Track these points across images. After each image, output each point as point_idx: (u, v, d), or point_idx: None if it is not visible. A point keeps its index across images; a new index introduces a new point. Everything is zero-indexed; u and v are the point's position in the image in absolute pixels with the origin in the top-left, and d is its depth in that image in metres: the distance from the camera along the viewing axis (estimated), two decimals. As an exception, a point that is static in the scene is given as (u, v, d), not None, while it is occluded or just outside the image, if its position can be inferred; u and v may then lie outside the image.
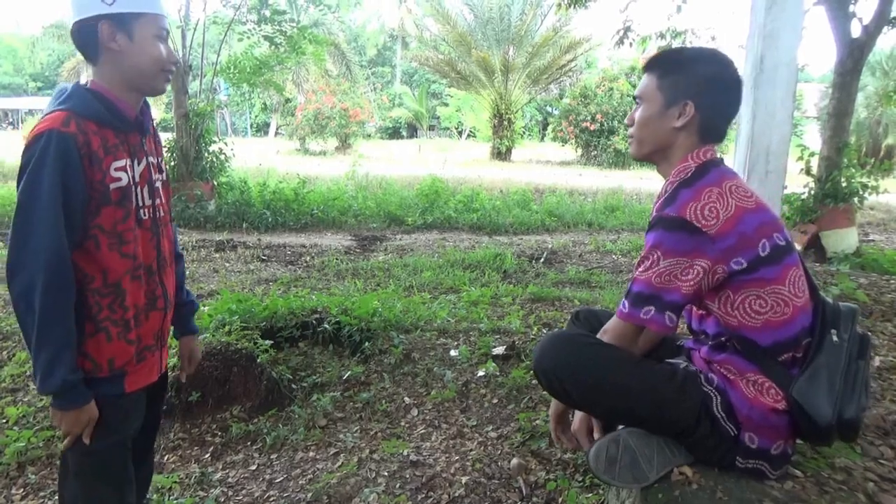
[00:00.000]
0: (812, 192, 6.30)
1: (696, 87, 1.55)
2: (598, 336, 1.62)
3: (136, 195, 1.55)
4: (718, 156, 1.60)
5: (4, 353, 3.76)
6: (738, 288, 1.46)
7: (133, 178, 1.53)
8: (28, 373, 3.41)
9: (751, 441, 1.49)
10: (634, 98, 1.68)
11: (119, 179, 1.49)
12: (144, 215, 1.58)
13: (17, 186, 1.41)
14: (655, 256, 1.47)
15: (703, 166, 1.55)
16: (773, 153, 3.94)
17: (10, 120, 43.45)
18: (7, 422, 2.88)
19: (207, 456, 2.70)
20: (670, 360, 1.72)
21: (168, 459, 2.68)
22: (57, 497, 1.65)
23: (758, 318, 1.47)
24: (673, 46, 7.71)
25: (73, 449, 1.52)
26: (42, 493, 2.44)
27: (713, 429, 1.50)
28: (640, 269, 1.50)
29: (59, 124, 1.39)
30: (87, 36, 1.46)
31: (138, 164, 1.56)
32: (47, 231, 1.37)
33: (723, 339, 1.55)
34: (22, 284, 1.37)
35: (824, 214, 6.17)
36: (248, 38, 9.67)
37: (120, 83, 1.50)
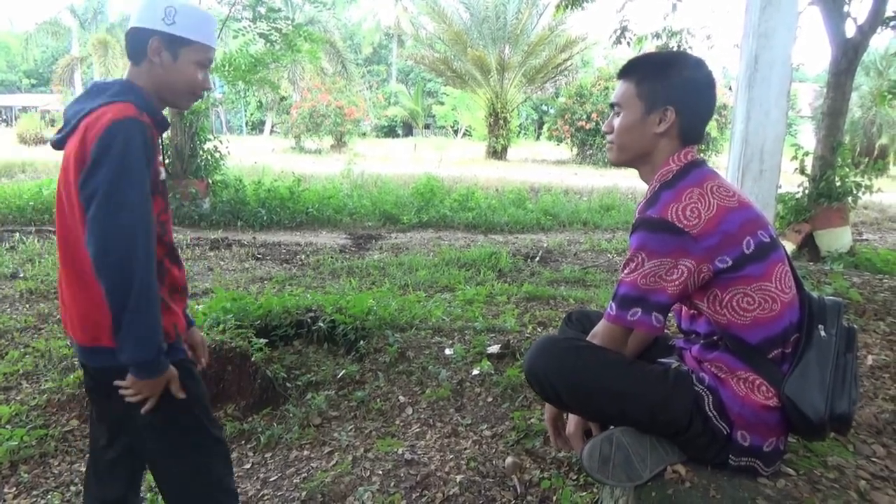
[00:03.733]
0: (806, 192, 6.32)
1: (675, 92, 1.56)
2: (588, 339, 1.62)
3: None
4: (699, 156, 1.60)
5: (-3, 351, 3.75)
6: (725, 286, 1.47)
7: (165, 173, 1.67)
8: (21, 371, 3.40)
9: (743, 439, 1.49)
10: (611, 105, 1.67)
11: (160, 173, 1.61)
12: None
13: (92, 169, 1.43)
14: (640, 258, 1.47)
15: (685, 168, 1.55)
16: (767, 152, 3.95)
17: (4, 117, 43.21)
18: (0, 420, 2.87)
19: (201, 454, 2.69)
20: (662, 360, 1.72)
21: (162, 458, 2.68)
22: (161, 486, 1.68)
23: (746, 316, 1.47)
24: (669, 46, 7.73)
25: (181, 428, 1.59)
26: (35, 492, 2.43)
27: (705, 427, 1.50)
28: (626, 272, 1.51)
29: (135, 114, 1.47)
30: (137, 42, 1.57)
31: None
32: (140, 207, 1.44)
33: (714, 337, 1.56)
34: (119, 259, 1.42)
35: (818, 214, 6.19)
36: (244, 35, 9.63)
37: (151, 89, 1.59)
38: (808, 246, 6.24)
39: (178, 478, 1.63)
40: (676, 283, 1.46)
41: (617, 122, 1.64)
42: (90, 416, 1.80)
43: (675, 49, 7.54)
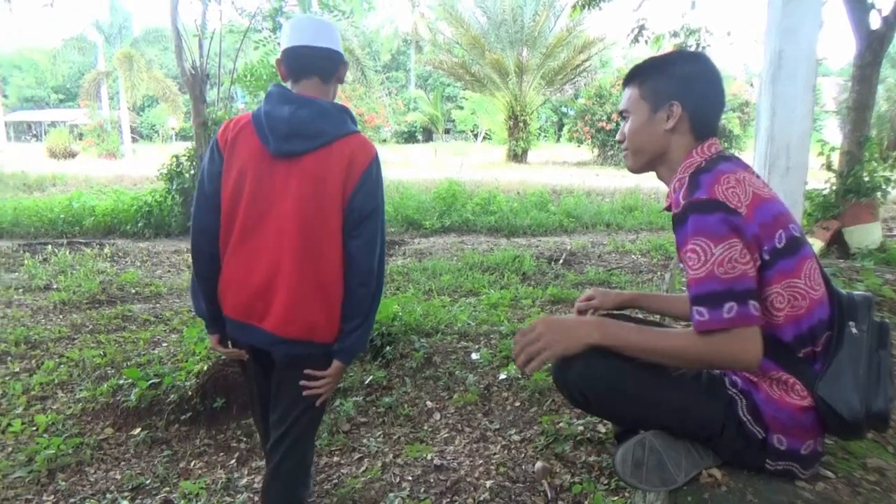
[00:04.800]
0: (833, 188, 6.21)
1: (678, 85, 1.54)
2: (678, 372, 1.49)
3: None
4: (728, 151, 1.57)
5: (33, 361, 3.83)
6: (763, 283, 1.42)
7: None
8: (56, 381, 3.47)
9: (779, 443, 1.46)
10: (620, 113, 1.66)
11: None
12: None
13: (367, 196, 1.74)
14: (703, 245, 1.35)
15: (713, 159, 1.52)
16: (793, 149, 3.89)
17: (34, 132, 44.18)
18: (37, 429, 2.93)
19: (233, 461, 2.72)
20: None
21: (194, 465, 2.71)
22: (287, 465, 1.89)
23: (778, 315, 1.43)
24: (687, 44, 7.65)
25: (320, 408, 1.88)
26: (72, 500, 2.48)
27: (739, 432, 1.47)
28: (697, 266, 1.36)
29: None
30: (333, 64, 1.83)
31: None
32: (384, 236, 1.83)
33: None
34: (380, 272, 1.80)
35: (847, 210, 6.07)
36: (264, 45, 9.75)
37: None
38: (837, 243, 6.12)
39: (307, 422, 1.89)
40: (752, 265, 1.35)
41: (627, 127, 1.62)
42: (252, 392, 2.04)
43: (693, 47, 7.47)
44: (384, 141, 34.07)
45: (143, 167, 18.43)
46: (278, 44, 10.19)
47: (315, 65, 1.78)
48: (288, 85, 1.82)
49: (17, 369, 3.71)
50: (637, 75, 1.62)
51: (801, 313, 1.43)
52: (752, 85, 25.82)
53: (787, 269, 1.41)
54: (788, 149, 3.88)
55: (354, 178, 1.71)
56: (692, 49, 7.26)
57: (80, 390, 3.34)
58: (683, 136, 1.56)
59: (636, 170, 1.66)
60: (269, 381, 1.91)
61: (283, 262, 1.72)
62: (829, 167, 6.28)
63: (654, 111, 1.57)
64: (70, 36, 30.07)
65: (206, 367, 3.16)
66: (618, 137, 1.67)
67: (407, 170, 18.73)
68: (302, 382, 1.79)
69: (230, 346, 1.92)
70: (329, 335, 1.78)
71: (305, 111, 1.72)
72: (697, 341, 1.37)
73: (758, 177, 1.53)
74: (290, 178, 1.71)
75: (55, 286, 5.63)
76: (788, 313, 1.43)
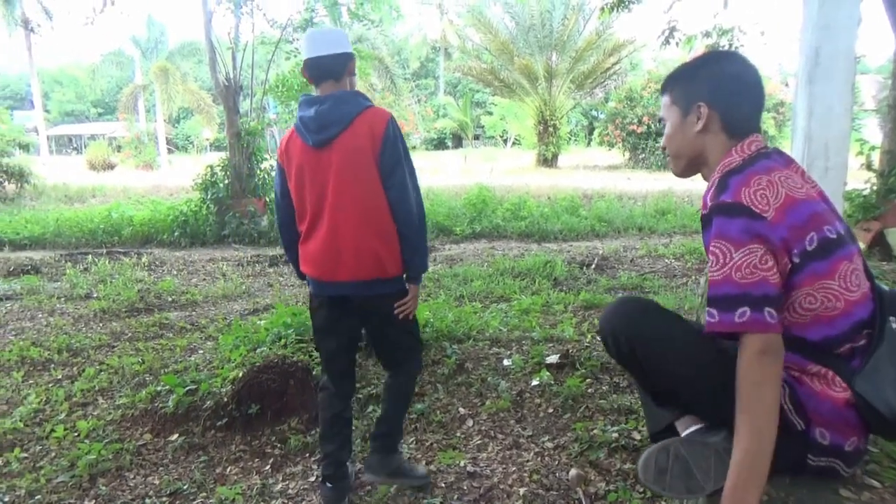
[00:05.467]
0: (874, 188, 6.04)
1: (704, 87, 1.55)
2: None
3: None
4: (769, 147, 1.53)
5: (75, 368, 3.93)
6: (791, 285, 1.39)
7: None
8: (97, 387, 3.55)
9: (822, 437, 1.42)
10: (659, 121, 1.70)
11: None
12: None
13: (388, 148, 2.16)
14: (724, 249, 1.36)
15: (752, 157, 1.49)
16: (832, 149, 3.80)
17: (75, 145, 45.49)
18: (79, 435, 3.00)
19: (268, 468, 2.75)
20: None
21: (230, 471, 2.74)
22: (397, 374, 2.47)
23: (806, 315, 1.40)
24: (719, 44, 7.53)
25: (413, 319, 2.39)
26: (113, 505, 2.53)
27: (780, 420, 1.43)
28: (715, 268, 1.37)
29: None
30: (341, 64, 2.23)
31: None
32: (415, 179, 2.28)
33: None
34: (419, 205, 2.26)
35: (888, 210, 5.90)
36: (295, 56, 9.90)
37: None
38: (879, 245, 5.95)
39: (406, 342, 2.42)
40: (774, 272, 1.33)
41: (665, 134, 1.66)
42: (329, 344, 2.42)
43: (725, 48, 7.35)
44: (414, 148, 34.22)
45: (178, 177, 18.84)
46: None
47: (326, 70, 2.22)
48: (313, 89, 2.30)
49: (60, 376, 3.81)
50: (668, 83, 1.66)
51: (834, 314, 1.40)
52: (787, 85, 25.29)
53: (820, 271, 1.38)
54: (827, 149, 3.79)
55: (378, 141, 2.16)
56: (724, 49, 7.14)
57: (120, 397, 3.41)
58: (716, 135, 1.55)
59: (679, 174, 1.68)
60: (348, 327, 2.40)
61: (344, 225, 2.18)
62: (869, 167, 6.12)
63: (685, 115, 1.59)
64: (108, 51, 30.98)
65: (241, 374, 3.20)
66: (661, 145, 1.69)
67: (437, 176, 18.79)
68: (394, 307, 2.30)
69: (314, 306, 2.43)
70: (396, 268, 2.25)
71: (326, 105, 2.17)
72: (743, 379, 1.33)
73: (802, 174, 1.49)
74: (331, 159, 2.16)
75: (95, 295, 5.78)
76: (820, 313, 1.39)
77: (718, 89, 1.54)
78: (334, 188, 2.17)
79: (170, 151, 34.72)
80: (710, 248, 1.39)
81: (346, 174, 2.16)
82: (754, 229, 1.35)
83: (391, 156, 2.17)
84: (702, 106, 1.54)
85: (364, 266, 2.20)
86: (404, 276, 2.30)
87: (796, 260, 1.37)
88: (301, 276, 2.41)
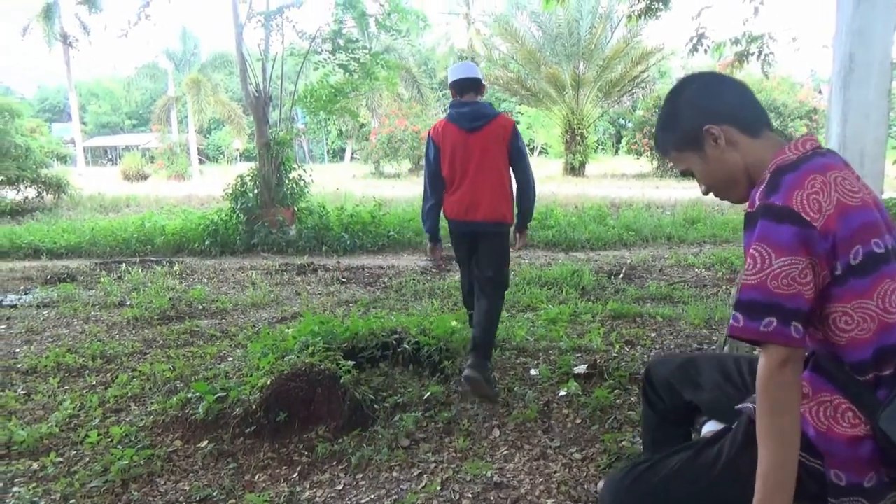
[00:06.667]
0: (913, 196, 5.90)
1: (693, 115, 1.49)
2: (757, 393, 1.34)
3: None
4: (825, 149, 1.43)
5: (108, 375, 4.01)
6: (828, 300, 1.31)
7: None
8: (129, 394, 3.62)
9: (838, 478, 1.32)
10: (683, 174, 1.61)
11: None
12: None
13: (515, 141, 3.46)
14: (765, 254, 1.27)
15: (807, 154, 1.39)
16: (868, 157, 3.72)
17: (110, 156, 46.59)
18: (112, 440, 3.05)
19: (295, 475, 2.77)
20: (742, 406, 1.51)
21: (258, 478, 2.77)
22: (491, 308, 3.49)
23: (842, 336, 1.32)
24: (749, 52, 7.42)
25: (508, 256, 3.62)
26: (144, 510, 2.56)
27: (801, 468, 1.33)
28: (751, 272, 1.29)
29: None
30: (478, 83, 3.54)
31: None
32: (530, 165, 3.57)
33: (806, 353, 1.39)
34: (534, 178, 3.57)
35: (928, 219, 5.75)
36: (324, 67, 10.01)
37: None
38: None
39: (502, 266, 3.56)
40: (811, 287, 1.26)
41: (699, 179, 1.56)
42: (461, 254, 3.73)
43: (755, 55, 7.24)
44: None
45: (209, 187, 19.15)
46: (336, 65, 10.31)
47: (470, 86, 3.53)
48: (457, 98, 3.54)
49: (94, 382, 3.89)
50: (662, 143, 1.60)
51: (868, 336, 1.30)
52: (819, 91, 24.84)
53: (860, 288, 1.29)
54: (862, 157, 3.71)
55: (508, 135, 3.43)
56: (748, 56, 7.05)
57: (152, 403, 3.47)
58: (741, 140, 1.46)
59: (740, 201, 1.55)
60: (472, 254, 3.59)
61: (482, 185, 3.41)
62: (907, 175, 5.97)
63: (701, 148, 1.49)
64: (143, 64, 31.73)
65: (269, 382, 3.23)
66: (702, 193, 1.59)
67: (463, 185, 18.76)
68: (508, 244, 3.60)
69: (436, 252, 3.88)
70: (511, 218, 3.53)
71: (476, 107, 3.46)
72: (764, 389, 1.29)
73: (858, 178, 1.39)
74: (476, 141, 3.41)
75: (129, 303, 5.89)
76: (857, 335, 1.31)
77: (704, 107, 1.48)
78: (477, 159, 3.39)
79: (201, 162, 35.37)
80: (750, 251, 1.31)
81: (488, 152, 3.39)
82: (801, 238, 1.26)
83: (518, 149, 3.45)
84: (706, 128, 1.46)
85: (494, 212, 3.43)
86: (515, 224, 3.58)
87: (838, 273, 1.29)
88: (427, 225, 3.69)
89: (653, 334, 4.39)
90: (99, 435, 3.09)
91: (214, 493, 2.63)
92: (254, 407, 3.12)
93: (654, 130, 1.68)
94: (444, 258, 3.96)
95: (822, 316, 1.34)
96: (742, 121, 1.46)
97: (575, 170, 23.71)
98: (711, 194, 1.56)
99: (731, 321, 1.33)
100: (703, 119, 1.47)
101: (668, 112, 1.56)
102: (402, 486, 2.59)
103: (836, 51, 3.79)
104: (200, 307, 5.71)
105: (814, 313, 1.31)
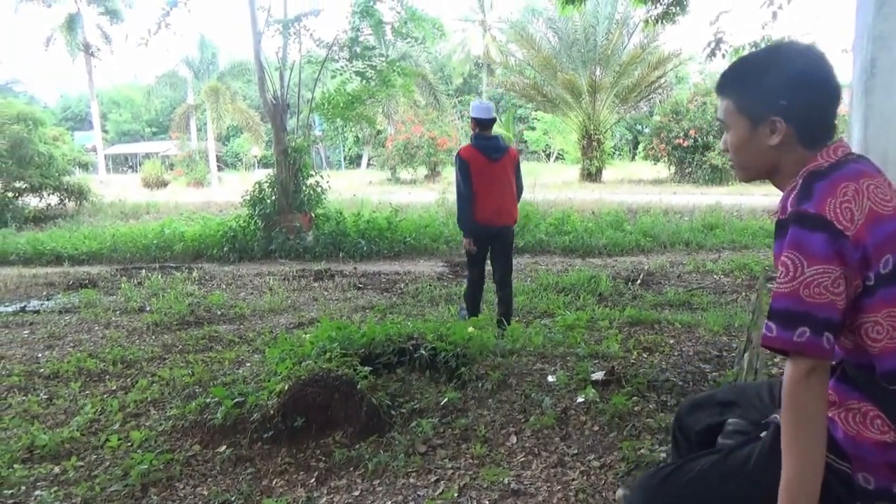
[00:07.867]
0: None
1: (780, 95, 1.36)
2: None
3: None
4: (857, 154, 1.39)
5: (129, 379, 4.05)
6: (859, 309, 1.30)
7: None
8: (149, 399, 3.65)
9: (866, 482, 1.31)
10: (718, 121, 1.51)
11: None
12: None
13: (519, 167, 4.86)
14: (797, 262, 1.25)
15: (838, 162, 1.34)
16: (891, 162, 3.65)
17: (130, 164, 47.22)
18: (132, 444, 3.09)
19: (313, 481, 2.77)
20: (768, 420, 1.50)
21: (276, 483, 2.78)
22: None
23: (874, 346, 1.30)
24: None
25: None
26: (163, 514, 2.58)
27: (828, 469, 1.31)
28: (783, 280, 1.26)
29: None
30: (493, 121, 4.83)
31: None
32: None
33: (832, 362, 1.38)
34: (522, 191, 4.96)
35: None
36: (341, 74, 10.09)
37: None
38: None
39: (509, 264, 4.92)
40: (843, 297, 1.23)
41: (728, 140, 1.48)
42: (481, 259, 4.85)
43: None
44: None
45: (228, 194, 19.35)
46: (353, 72, 10.35)
47: (490, 125, 4.71)
48: (476, 130, 4.68)
49: (114, 387, 3.93)
50: (732, 84, 1.44)
51: (894, 346, 1.29)
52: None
53: (890, 297, 1.27)
54: (885, 162, 3.63)
55: (515, 162, 4.74)
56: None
57: (171, 408, 3.50)
58: (793, 149, 1.39)
59: (745, 181, 1.55)
60: (486, 253, 4.79)
61: (506, 196, 4.64)
62: (930, 180, 5.88)
63: (755, 126, 1.40)
64: (163, 72, 32.15)
65: (286, 387, 3.25)
66: (721, 148, 1.52)
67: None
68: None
69: (472, 243, 4.71)
70: (516, 220, 4.87)
71: (496, 142, 4.68)
72: (791, 398, 1.27)
73: (890, 185, 1.35)
74: (498, 167, 4.58)
75: (148, 308, 5.96)
76: (887, 345, 1.29)
77: (796, 98, 1.36)
78: (501, 180, 4.59)
79: (219, 169, 35.73)
80: (783, 258, 1.27)
81: (506, 175, 4.62)
82: (834, 247, 1.24)
83: (520, 169, 4.79)
84: (777, 121, 1.36)
85: (511, 218, 4.73)
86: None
87: (870, 283, 1.27)
88: (466, 227, 4.65)
89: (671, 341, 4.35)
90: (119, 439, 3.12)
91: (233, 498, 2.65)
92: (271, 412, 3.14)
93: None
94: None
95: (853, 326, 1.32)
96: (809, 131, 1.38)
97: (592, 175, 23.62)
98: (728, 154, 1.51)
99: (763, 331, 1.30)
100: (777, 106, 1.37)
101: (760, 66, 1.41)
102: (419, 493, 2.59)
103: (857, 55, 3.74)
104: (219, 313, 5.76)
105: (844, 324, 1.29)
